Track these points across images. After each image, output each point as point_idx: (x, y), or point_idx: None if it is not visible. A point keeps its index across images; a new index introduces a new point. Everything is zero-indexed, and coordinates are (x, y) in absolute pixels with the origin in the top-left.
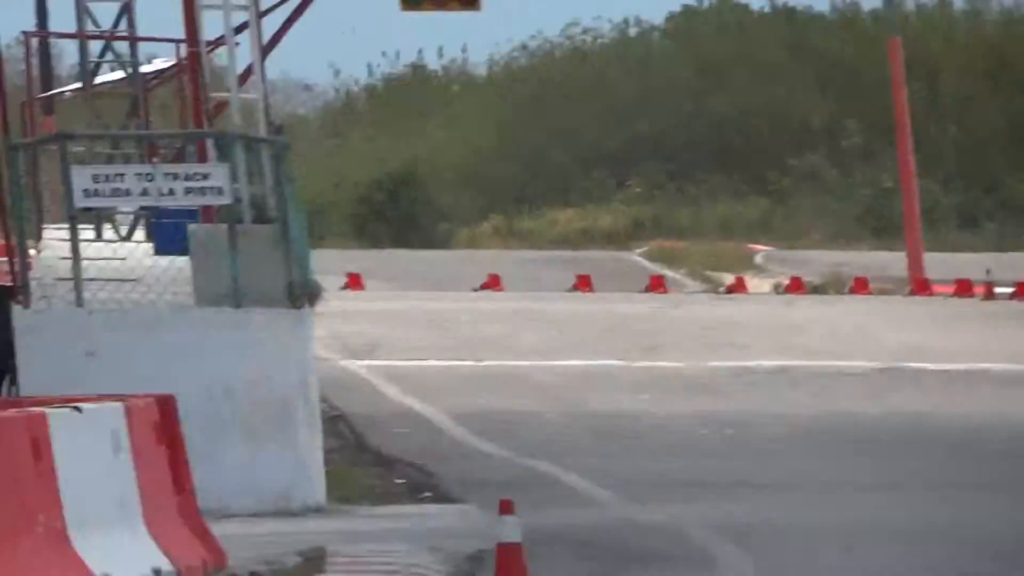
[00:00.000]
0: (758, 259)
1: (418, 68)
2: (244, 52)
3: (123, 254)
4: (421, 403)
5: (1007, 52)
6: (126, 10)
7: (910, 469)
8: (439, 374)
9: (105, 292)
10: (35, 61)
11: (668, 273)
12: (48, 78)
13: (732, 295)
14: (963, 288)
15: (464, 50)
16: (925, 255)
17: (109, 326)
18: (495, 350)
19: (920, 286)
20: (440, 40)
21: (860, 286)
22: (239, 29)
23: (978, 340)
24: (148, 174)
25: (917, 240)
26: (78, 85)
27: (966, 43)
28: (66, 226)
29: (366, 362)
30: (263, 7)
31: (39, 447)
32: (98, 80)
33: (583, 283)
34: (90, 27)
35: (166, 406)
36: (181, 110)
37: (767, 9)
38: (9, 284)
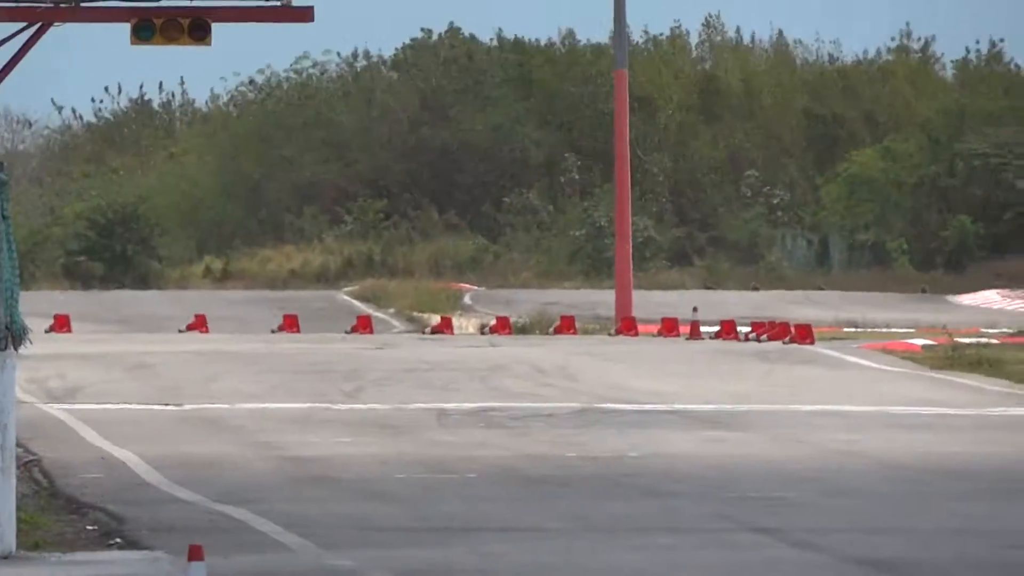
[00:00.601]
0: (466, 299)
1: (141, 103)
2: None
3: None
4: (118, 448)
5: (723, 86)
6: None
7: (606, 512)
8: (139, 418)
9: None
10: None
11: (376, 313)
12: None
13: (437, 335)
14: (669, 327)
15: (182, 83)
16: (635, 293)
17: None
18: (197, 393)
19: (626, 325)
20: (181, 72)
21: (566, 325)
22: None
23: (682, 381)
24: None
25: (626, 278)
26: None
27: (686, 76)
28: None
29: (66, 405)
30: None
31: None
32: None
33: (289, 323)
34: None
35: None
36: None
37: (495, 42)
38: None
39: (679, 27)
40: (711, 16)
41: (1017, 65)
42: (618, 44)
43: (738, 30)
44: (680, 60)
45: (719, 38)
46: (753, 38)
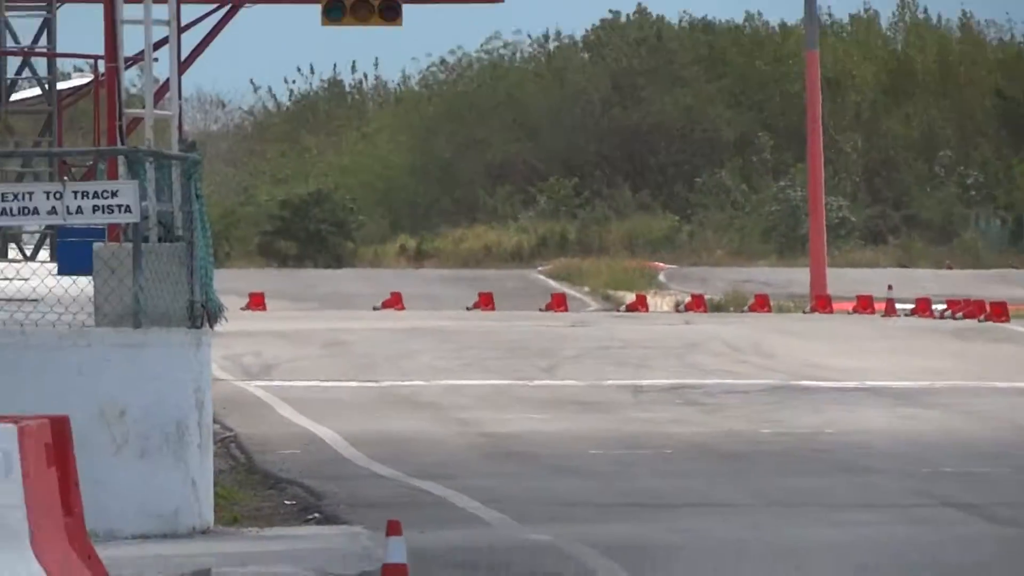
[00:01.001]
0: (661, 277)
1: (334, 84)
2: (161, 67)
3: (26, 274)
4: (314, 424)
5: (916, 66)
6: (47, 25)
7: (799, 488)
8: (335, 394)
9: (4, 312)
10: None
11: (570, 291)
12: None
13: (632, 313)
14: (864, 305)
15: (376, 64)
16: (829, 271)
17: (4, 346)
18: (392, 370)
19: (821, 303)
20: (373, 52)
21: (760, 303)
22: (158, 45)
23: (876, 358)
24: (57, 192)
25: (820, 256)
26: None
27: (877, 56)
28: None
29: (262, 383)
30: (183, 22)
31: None
32: (14, 97)
33: (484, 301)
34: (9, 42)
35: (59, 427)
36: (95, 127)
37: (685, 23)
38: None
39: (870, 8)
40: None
41: None
42: (809, 25)
43: (926, 10)
44: (872, 41)
45: (909, 18)
46: (940, 19)
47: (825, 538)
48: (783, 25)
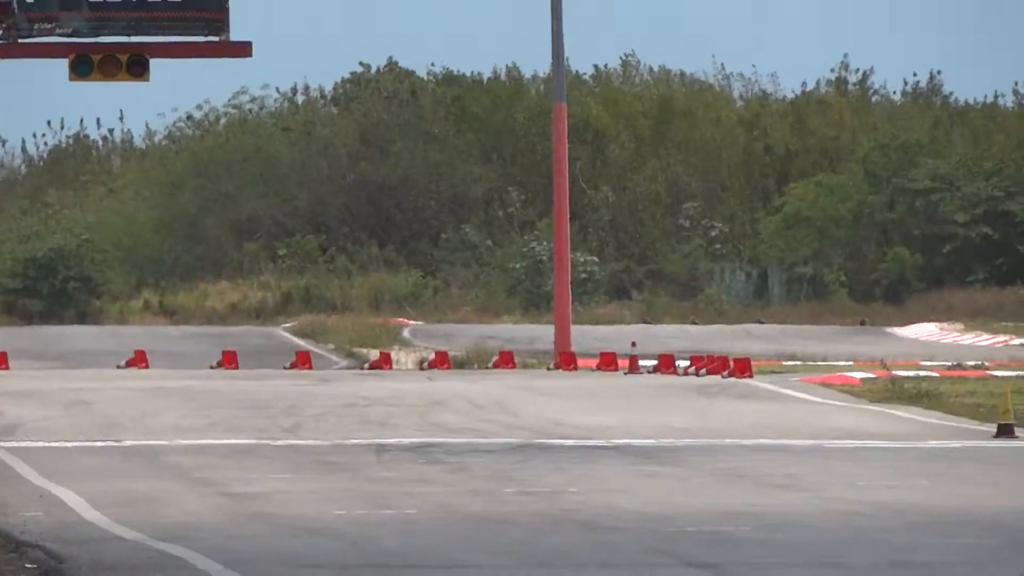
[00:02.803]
0: (405, 333)
1: (80, 139)
2: None
3: None
4: (57, 486)
5: (667, 118)
6: None
7: (543, 548)
8: (78, 455)
9: None
10: None
11: (315, 348)
12: None
13: (376, 371)
14: (607, 362)
15: (121, 118)
16: (574, 327)
17: None
18: (136, 430)
19: (565, 359)
20: (120, 105)
21: (505, 360)
22: None
23: (620, 415)
24: None
25: (565, 313)
26: None
27: (629, 110)
28: None
29: (4, 443)
30: None
31: None
32: None
33: (228, 359)
34: None
35: None
36: None
37: (435, 77)
38: None
39: (632, 57)
40: (631, 55)
41: (956, 98)
42: (556, 77)
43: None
44: (629, 94)
45: (658, 72)
46: (679, 76)
47: None
48: (545, 79)
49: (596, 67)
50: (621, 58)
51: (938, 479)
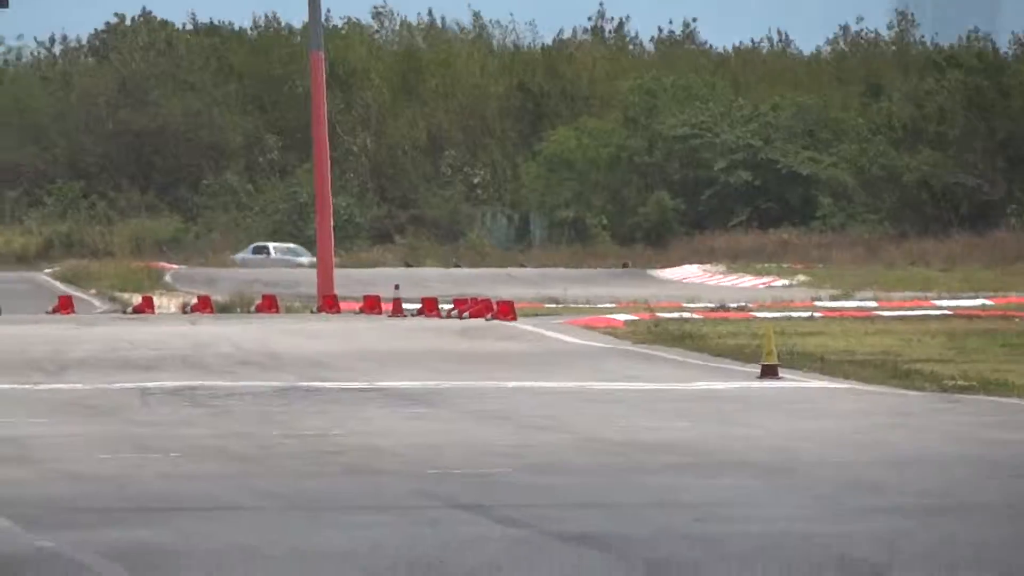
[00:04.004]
0: (167, 278)
1: None
2: None
3: None
4: None
5: (424, 66)
6: None
7: (307, 491)
8: None
9: None
10: None
11: (78, 293)
12: None
13: (139, 315)
14: (371, 305)
15: None
16: (337, 271)
17: None
18: None
19: (328, 303)
20: None
21: (268, 304)
22: None
23: (384, 359)
24: None
25: (327, 256)
26: None
27: (386, 57)
28: None
29: None
30: None
31: None
32: None
33: None
34: None
35: None
36: None
37: (191, 26)
38: None
39: (385, 6)
40: (385, 4)
41: (711, 44)
42: (313, 25)
43: (430, 13)
44: (382, 40)
45: (416, 19)
46: (444, 21)
47: (333, 542)
48: (302, 27)
49: (349, 18)
50: (373, 9)
51: (701, 420)
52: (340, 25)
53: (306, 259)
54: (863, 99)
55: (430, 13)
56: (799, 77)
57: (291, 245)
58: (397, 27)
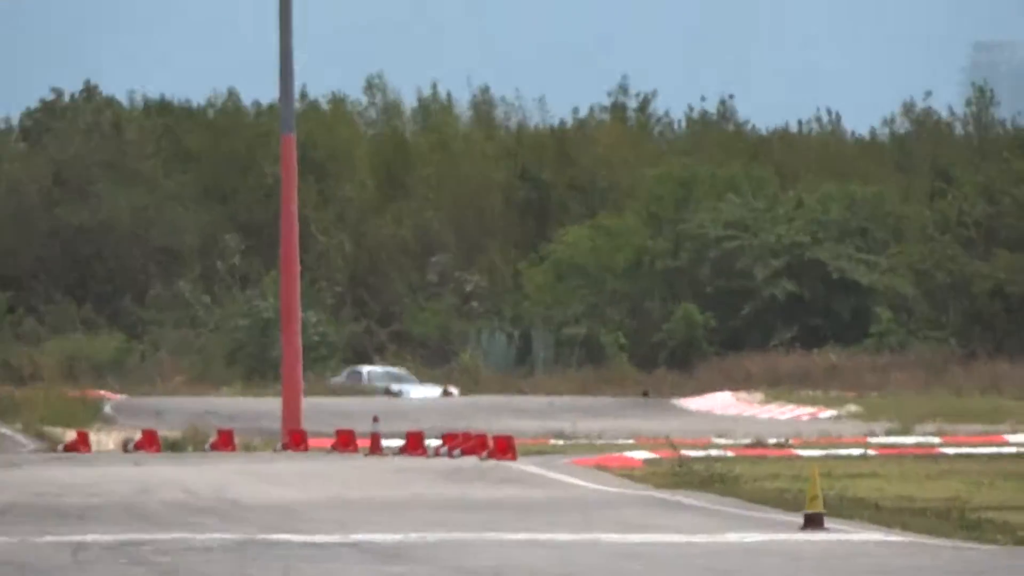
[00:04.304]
0: (107, 409)
1: None
2: None
3: None
4: None
5: (413, 153)
6: None
7: None
8: None
9: None
10: None
11: (0, 429)
12: None
13: (73, 454)
14: (344, 441)
15: None
16: (306, 400)
17: None
18: None
19: (295, 439)
20: None
21: (224, 441)
22: None
23: (359, 506)
24: None
25: (295, 383)
26: None
27: (369, 142)
28: None
29: None
30: None
31: None
32: None
33: None
34: None
35: None
36: None
37: (140, 104)
38: None
39: (380, 79)
40: (380, 76)
41: (753, 125)
42: (283, 102)
43: (434, 88)
44: (369, 120)
45: (415, 93)
46: (450, 97)
47: None
48: (271, 106)
49: (334, 93)
50: (366, 81)
51: None
52: (322, 100)
53: (406, 387)
54: (930, 191)
55: (434, 87)
56: (852, 164)
57: (392, 369)
58: (390, 102)
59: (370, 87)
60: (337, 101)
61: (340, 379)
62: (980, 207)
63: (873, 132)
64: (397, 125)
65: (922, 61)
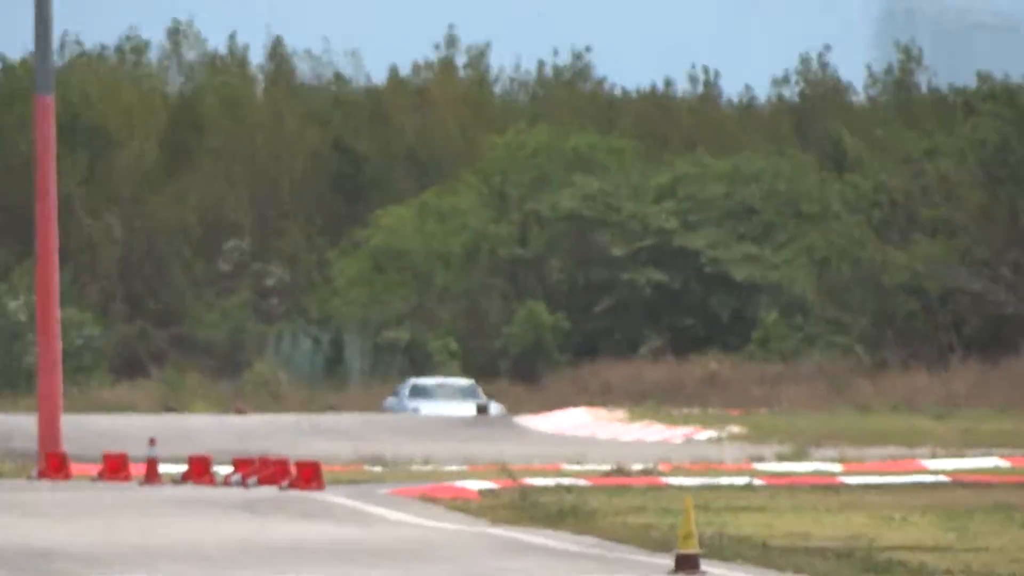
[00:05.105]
0: None
1: None
2: None
3: None
4: None
5: (202, 117)
6: None
7: None
8: None
9: None
10: None
11: None
12: None
13: None
14: (114, 467)
15: None
16: (67, 417)
17: None
18: None
19: (54, 465)
20: None
21: None
22: None
23: (133, 545)
24: None
25: (53, 397)
26: None
27: (148, 103)
28: None
29: None
30: None
31: None
32: None
33: None
34: None
35: None
36: None
37: None
38: None
39: (137, 35)
40: (181, 23)
41: (612, 82)
42: (40, 60)
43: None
44: (144, 82)
45: (192, 52)
46: (247, 49)
47: None
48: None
49: (102, 45)
50: (127, 36)
51: None
52: (81, 55)
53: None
54: (834, 166)
55: (232, 38)
56: (733, 134)
57: (449, 380)
58: (160, 59)
59: (176, 31)
60: (104, 58)
61: (397, 401)
62: (899, 181)
63: (758, 95)
64: (183, 82)
65: (819, 8)
